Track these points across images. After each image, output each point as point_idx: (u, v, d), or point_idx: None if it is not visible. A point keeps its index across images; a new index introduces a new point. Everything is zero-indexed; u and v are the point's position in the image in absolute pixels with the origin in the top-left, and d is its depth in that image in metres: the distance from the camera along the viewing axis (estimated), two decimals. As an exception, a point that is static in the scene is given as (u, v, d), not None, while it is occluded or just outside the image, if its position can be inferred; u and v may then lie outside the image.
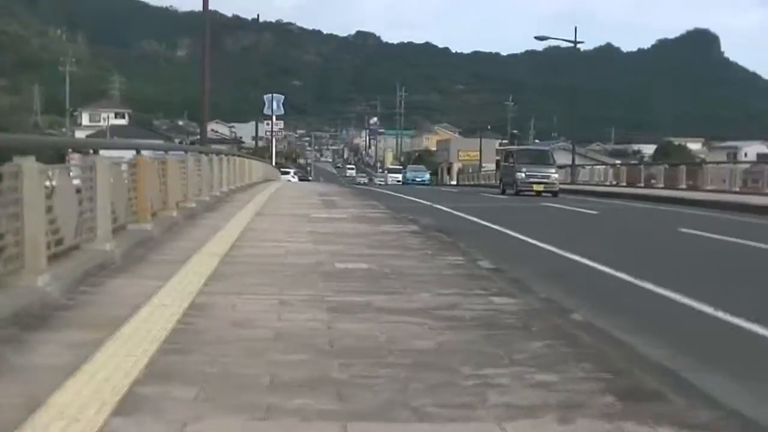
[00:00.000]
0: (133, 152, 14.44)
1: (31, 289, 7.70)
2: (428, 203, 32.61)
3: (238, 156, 36.11)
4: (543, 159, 46.02)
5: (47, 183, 8.92)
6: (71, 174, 10.30)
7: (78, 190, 10.27)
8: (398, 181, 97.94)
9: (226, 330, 7.03)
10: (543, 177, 42.78)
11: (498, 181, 50.88)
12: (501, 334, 7.17)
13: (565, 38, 69.39)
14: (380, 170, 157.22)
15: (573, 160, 67.36)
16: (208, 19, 31.97)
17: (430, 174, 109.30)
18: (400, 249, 13.47)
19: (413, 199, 36.84)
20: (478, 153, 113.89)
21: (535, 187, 42.00)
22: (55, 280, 8.19)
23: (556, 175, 44.64)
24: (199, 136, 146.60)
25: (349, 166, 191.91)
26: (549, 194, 41.12)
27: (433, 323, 7.53)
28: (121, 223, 12.53)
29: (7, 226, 7.62)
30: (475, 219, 23.57)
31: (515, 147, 61.35)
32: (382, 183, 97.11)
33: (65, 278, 8.57)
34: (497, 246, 16.41)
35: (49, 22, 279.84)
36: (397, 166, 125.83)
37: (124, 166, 13.07)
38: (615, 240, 20.01)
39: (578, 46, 68.40)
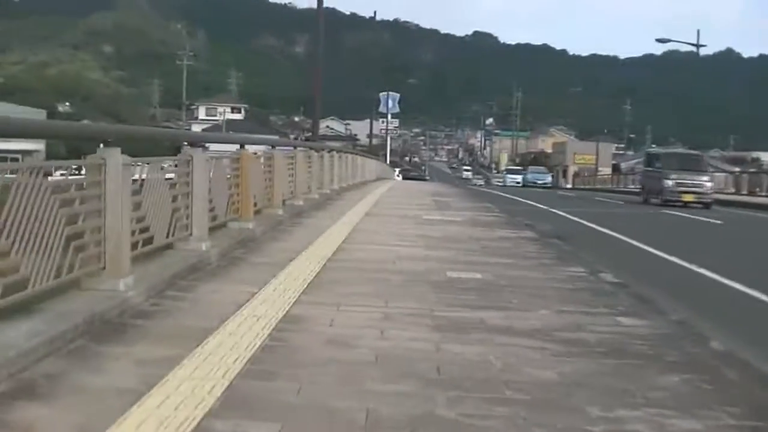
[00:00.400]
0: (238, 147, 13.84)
1: (109, 294, 7.07)
2: (544, 207, 31.63)
3: (350, 153, 35.44)
4: (695, 164, 39.93)
5: (136, 177, 8.33)
6: (165, 168, 9.68)
7: (173, 185, 9.65)
8: (517, 183, 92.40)
9: (321, 349, 6.24)
10: (695, 185, 37.34)
11: (640, 189, 45.75)
12: (632, 365, 6.27)
13: (686, 41, 67.69)
14: (496, 171, 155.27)
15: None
16: (323, 16, 31.06)
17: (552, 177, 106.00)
18: (516, 257, 12.58)
19: (529, 202, 35.88)
20: (594, 157, 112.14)
21: (685, 197, 36.85)
22: (139, 283, 7.53)
23: (710, 184, 38.82)
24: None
25: (465, 167, 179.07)
26: (700, 206, 36.09)
27: (554, 348, 6.65)
28: (221, 220, 11.91)
29: (87, 223, 7.04)
30: (593, 225, 22.53)
31: (662, 150, 55.63)
32: (500, 184, 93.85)
33: (150, 281, 7.89)
34: (619, 256, 15.42)
35: (169, 17, 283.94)
36: (517, 167, 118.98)
37: (226, 161, 12.39)
38: (743, 253, 18.67)
39: (698, 50, 66.62)
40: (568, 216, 26.47)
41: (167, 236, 9.21)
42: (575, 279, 10.56)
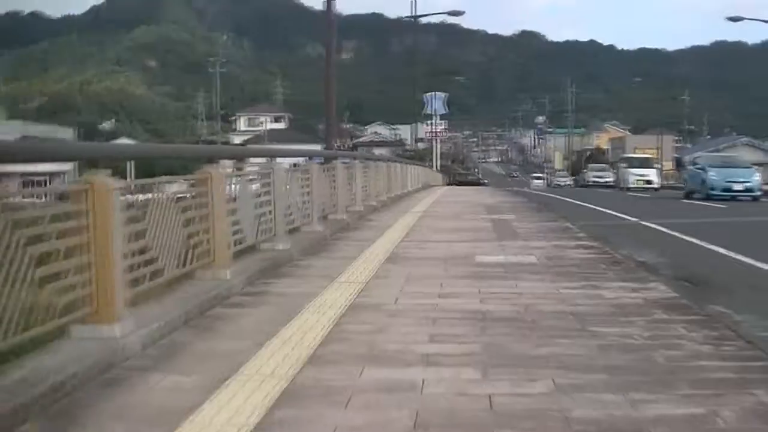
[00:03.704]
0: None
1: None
2: (630, 219, 24.42)
3: (383, 161, 28.60)
4: None
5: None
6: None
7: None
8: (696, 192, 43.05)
9: None
10: None
11: None
12: None
13: (762, 19, 60.29)
14: (552, 170, 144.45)
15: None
16: (333, 20, 24.99)
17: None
18: (696, 388, 5.59)
19: (606, 211, 28.68)
20: (655, 151, 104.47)
21: None
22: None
23: None
24: (362, 138, 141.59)
25: (535, 175, 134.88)
26: None
27: None
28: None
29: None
30: (723, 251, 15.28)
31: None
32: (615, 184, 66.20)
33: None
34: None
35: (214, 28, 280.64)
36: (647, 159, 73.79)
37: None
38: None
39: (745, 40, 59.95)
40: (671, 233, 19.18)
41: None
42: None
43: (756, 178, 39.85)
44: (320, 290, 9.42)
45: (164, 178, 9.48)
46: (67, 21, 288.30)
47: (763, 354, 6.55)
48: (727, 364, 6.25)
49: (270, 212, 12.07)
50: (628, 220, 24.63)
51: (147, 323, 6.81)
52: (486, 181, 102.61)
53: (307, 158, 15.98)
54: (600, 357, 6.40)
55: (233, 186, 10.65)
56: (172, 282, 8.36)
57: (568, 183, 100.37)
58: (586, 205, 33.54)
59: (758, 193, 38.97)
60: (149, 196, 8.14)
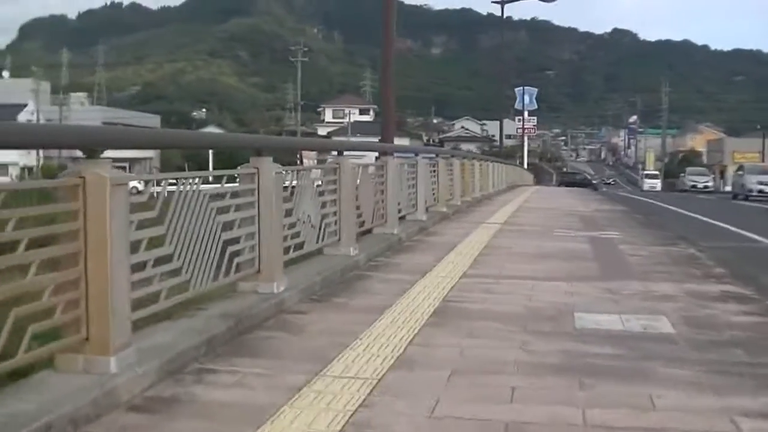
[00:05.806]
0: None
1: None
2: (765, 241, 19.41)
3: (460, 158, 23.92)
4: None
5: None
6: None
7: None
8: None
9: None
10: None
11: None
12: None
13: None
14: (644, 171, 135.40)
15: None
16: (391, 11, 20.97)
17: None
18: None
19: (736, 231, 23.05)
20: (758, 155, 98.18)
21: None
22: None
23: None
24: (450, 134, 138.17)
25: (648, 172, 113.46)
26: None
27: None
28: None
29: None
30: None
31: None
32: None
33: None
34: None
35: (304, 21, 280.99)
36: None
37: None
38: None
39: None
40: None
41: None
42: None
43: None
44: (284, 402, 4.88)
45: None
46: (165, 12, 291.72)
47: None
48: None
49: (252, 235, 7.57)
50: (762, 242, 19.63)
51: None
52: (596, 181, 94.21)
53: (336, 153, 11.33)
54: None
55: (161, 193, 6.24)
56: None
57: (708, 185, 79.67)
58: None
59: None
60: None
